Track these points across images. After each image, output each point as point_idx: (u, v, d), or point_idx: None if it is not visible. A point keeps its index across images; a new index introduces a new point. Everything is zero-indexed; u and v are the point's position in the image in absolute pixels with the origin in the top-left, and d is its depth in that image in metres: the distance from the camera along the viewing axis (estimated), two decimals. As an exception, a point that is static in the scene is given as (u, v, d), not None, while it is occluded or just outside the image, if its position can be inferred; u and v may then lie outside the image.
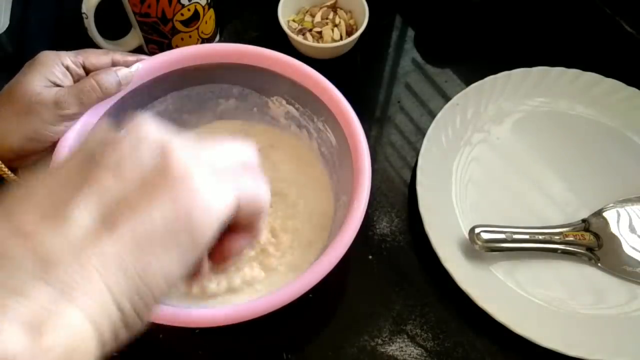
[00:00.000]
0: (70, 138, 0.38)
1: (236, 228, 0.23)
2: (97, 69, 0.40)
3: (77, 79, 0.39)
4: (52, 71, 0.37)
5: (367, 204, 0.36)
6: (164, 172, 0.19)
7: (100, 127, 0.24)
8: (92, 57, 0.40)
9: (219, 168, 0.21)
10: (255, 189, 0.23)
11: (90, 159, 0.20)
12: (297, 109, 0.45)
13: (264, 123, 0.48)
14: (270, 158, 0.46)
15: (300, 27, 0.55)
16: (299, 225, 0.44)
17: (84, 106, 0.38)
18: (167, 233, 0.18)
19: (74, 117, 0.38)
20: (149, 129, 0.21)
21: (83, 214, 0.17)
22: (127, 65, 0.41)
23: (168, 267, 0.19)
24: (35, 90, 0.36)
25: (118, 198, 0.18)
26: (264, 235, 0.43)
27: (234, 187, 0.21)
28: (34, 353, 0.15)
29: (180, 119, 0.47)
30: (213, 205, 0.20)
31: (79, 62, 0.39)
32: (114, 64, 0.41)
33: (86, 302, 0.16)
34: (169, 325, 0.32)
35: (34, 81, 0.36)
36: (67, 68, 0.38)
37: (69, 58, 0.38)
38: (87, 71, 0.40)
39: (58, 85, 0.38)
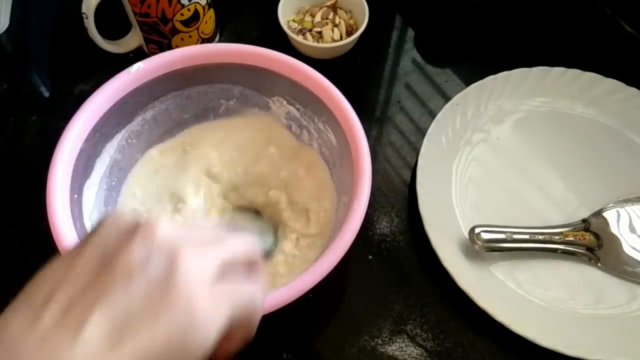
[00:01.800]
0: (69, 140, 0.38)
1: (229, 328, 0.23)
2: None
3: None
4: None
5: (367, 204, 0.36)
6: (169, 289, 0.21)
7: (115, 216, 0.23)
8: None
9: (224, 269, 0.23)
10: (252, 296, 0.24)
11: (104, 261, 0.21)
12: (297, 109, 0.45)
13: (265, 123, 0.48)
14: (270, 158, 0.46)
15: (300, 27, 0.55)
16: (299, 226, 0.44)
17: None
18: (164, 353, 0.20)
19: None
20: (163, 233, 0.22)
21: (94, 332, 0.19)
22: None
23: None
24: None
25: (125, 311, 0.20)
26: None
27: (233, 296, 0.23)
28: None
29: (180, 119, 0.47)
30: (209, 324, 0.21)
31: None
32: None
33: None
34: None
35: None
36: None
37: None
38: None
39: None
